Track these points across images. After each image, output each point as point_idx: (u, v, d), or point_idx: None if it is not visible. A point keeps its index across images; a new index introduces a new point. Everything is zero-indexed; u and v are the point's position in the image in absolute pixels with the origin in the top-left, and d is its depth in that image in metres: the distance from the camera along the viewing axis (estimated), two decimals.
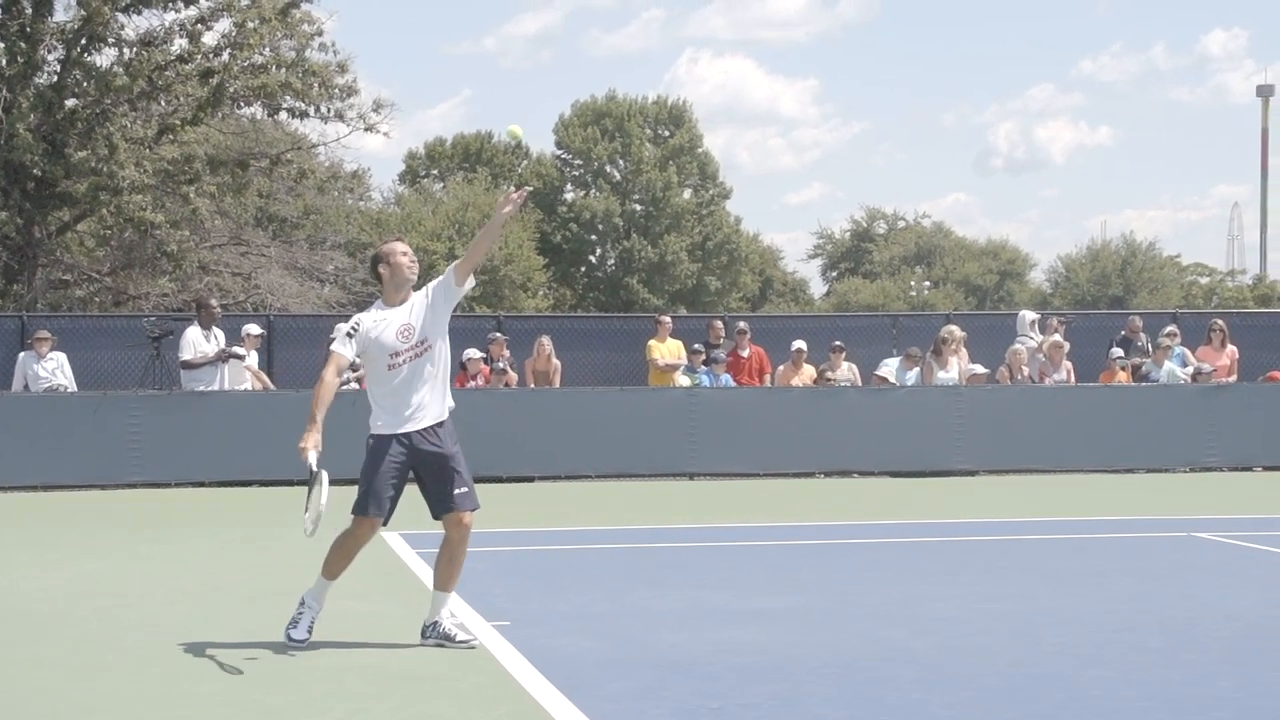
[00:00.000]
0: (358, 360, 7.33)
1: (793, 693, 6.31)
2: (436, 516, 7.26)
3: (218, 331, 16.92)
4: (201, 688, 6.47)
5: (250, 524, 12.91)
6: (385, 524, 7.29)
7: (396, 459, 7.16)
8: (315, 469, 7.14)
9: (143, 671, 6.82)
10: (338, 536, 7.31)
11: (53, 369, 16.93)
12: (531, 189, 8.09)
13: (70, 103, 26.77)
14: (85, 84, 26.56)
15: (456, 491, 7.19)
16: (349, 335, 7.22)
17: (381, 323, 7.19)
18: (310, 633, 7.27)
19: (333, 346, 7.23)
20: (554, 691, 6.29)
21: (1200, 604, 8.54)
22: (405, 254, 7.28)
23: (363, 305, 37.83)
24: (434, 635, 7.26)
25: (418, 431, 7.17)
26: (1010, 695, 6.29)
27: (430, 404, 7.19)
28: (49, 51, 26.63)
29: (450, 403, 7.33)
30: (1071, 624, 7.87)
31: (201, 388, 16.63)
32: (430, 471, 7.20)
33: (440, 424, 7.23)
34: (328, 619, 8.05)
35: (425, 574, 9.33)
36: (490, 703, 6.20)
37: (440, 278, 7.28)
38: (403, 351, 7.14)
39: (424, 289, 7.29)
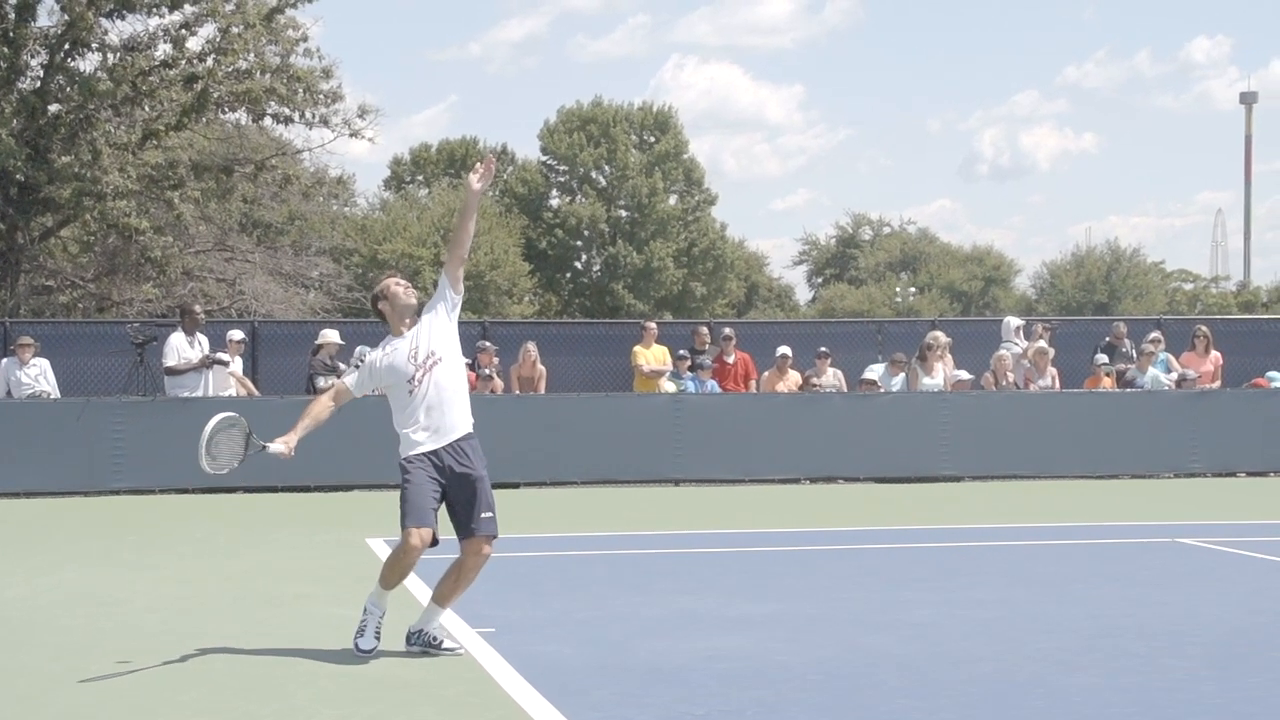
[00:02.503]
0: (345, 370, 7.40)
1: (776, 699, 6.30)
2: (459, 538, 7.24)
3: (201, 338, 16.88)
4: (185, 695, 6.45)
5: (234, 531, 12.88)
6: (435, 540, 7.12)
7: (430, 472, 7.14)
8: (261, 446, 7.25)
9: (125, 679, 6.79)
10: (390, 553, 7.26)
11: (35, 375, 16.87)
12: (495, 154, 8.13)
13: (53, 108, 26.70)
14: (68, 89, 26.49)
15: (482, 515, 7.18)
16: (355, 368, 7.37)
17: (392, 352, 7.26)
18: (378, 639, 7.23)
19: (342, 377, 7.40)
20: (538, 698, 6.28)
21: (1184, 610, 8.56)
22: (399, 284, 7.40)
23: (347, 312, 37.90)
24: (419, 642, 7.26)
25: (446, 448, 7.16)
26: (993, 701, 6.29)
27: (453, 418, 7.20)
28: (32, 56, 26.57)
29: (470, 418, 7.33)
30: (1055, 630, 7.88)
31: (185, 394, 16.58)
32: (458, 492, 7.18)
33: (467, 438, 7.23)
34: (310, 625, 8.05)
35: (409, 580, 9.30)
36: (474, 709, 6.19)
37: (438, 295, 7.34)
38: (416, 371, 7.18)
39: (426, 309, 7.34)
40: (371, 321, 25.28)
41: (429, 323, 7.29)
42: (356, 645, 7.22)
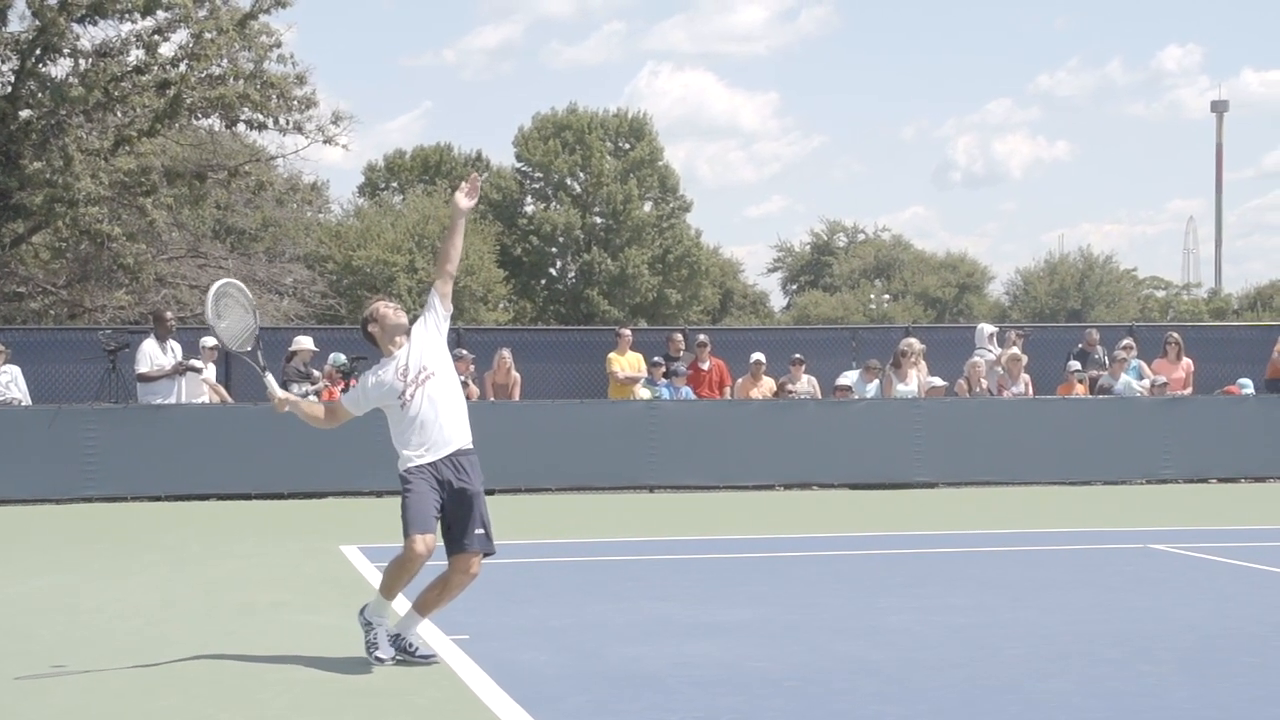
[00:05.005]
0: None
1: (751, 705, 6.31)
2: (449, 553, 7.20)
3: (174, 344, 16.80)
4: (157, 703, 6.42)
5: (207, 538, 12.82)
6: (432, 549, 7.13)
7: (430, 482, 7.12)
8: (263, 367, 7.55)
9: (97, 687, 6.75)
10: (393, 560, 7.21)
11: (6, 382, 16.76)
12: (480, 174, 8.19)
13: (25, 114, 26.57)
14: (40, 95, 26.37)
15: (475, 532, 7.17)
16: (353, 388, 7.44)
17: (382, 371, 7.28)
18: (393, 646, 7.20)
19: (341, 397, 7.53)
20: (513, 705, 6.28)
21: (1156, 615, 8.60)
22: (388, 305, 7.44)
23: (321, 318, 37.73)
24: (393, 646, 7.22)
25: (444, 460, 7.16)
26: (968, 707, 6.31)
27: (449, 432, 7.19)
28: (3, 62, 26.45)
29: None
30: (1029, 636, 7.91)
31: (158, 401, 16.51)
32: (453, 507, 7.17)
33: (466, 453, 7.23)
34: (284, 633, 8.02)
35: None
36: (449, 717, 6.18)
37: (428, 311, 7.37)
38: (406, 387, 7.18)
39: (416, 326, 7.36)
40: (346, 328, 25.21)
41: (419, 338, 7.30)
42: (375, 658, 7.14)
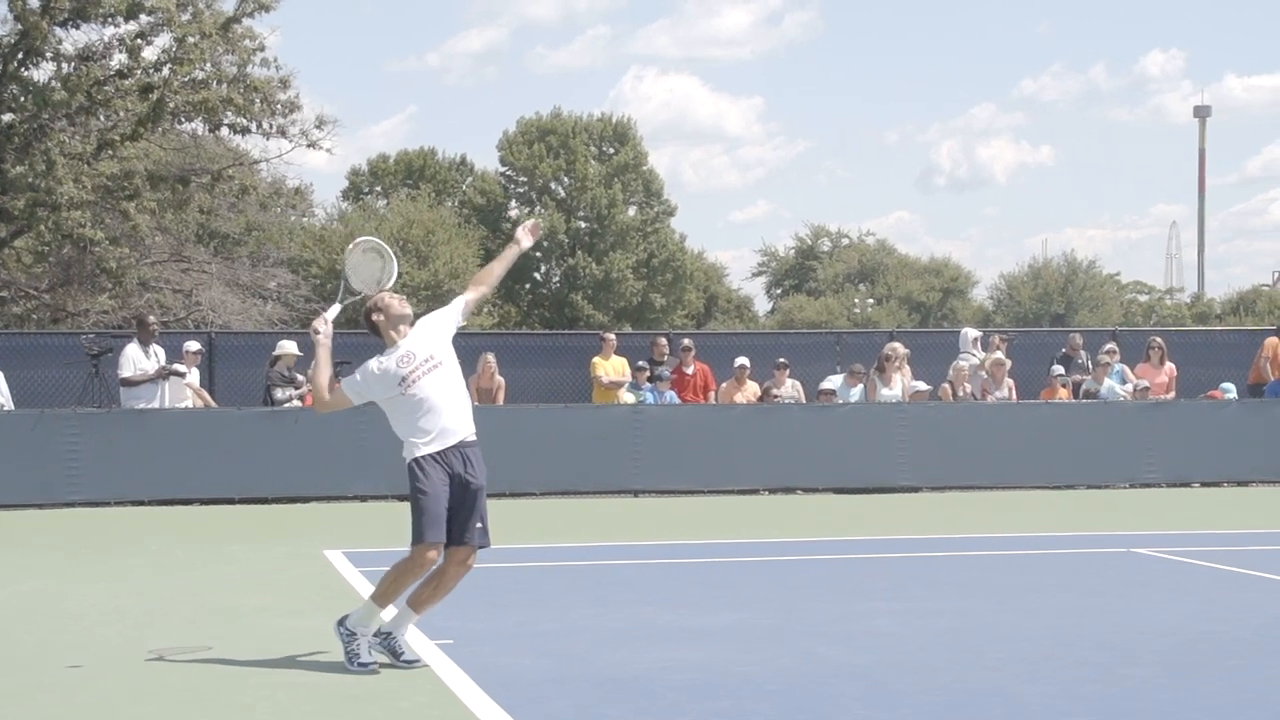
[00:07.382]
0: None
1: (735, 710, 6.31)
2: (447, 545, 7.16)
3: (158, 349, 16.75)
4: (141, 709, 6.40)
5: (190, 543, 12.79)
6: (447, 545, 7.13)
7: (443, 477, 7.11)
8: (341, 298, 7.76)
9: (80, 693, 6.73)
10: (394, 565, 7.17)
11: None
12: (540, 222, 8.31)
13: (7, 117, 26.52)
14: (22, 99, 26.30)
15: (475, 525, 7.18)
16: (353, 377, 7.40)
17: (385, 359, 7.26)
18: (381, 647, 7.17)
19: (341, 382, 7.49)
20: (497, 710, 6.27)
21: (1139, 619, 8.62)
22: (393, 296, 7.45)
23: (305, 323, 37.57)
24: (382, 645, 7.18)
25: (453, 450, 7.15)
26: (951, 711, 6.32)
27: (456, 422, 7.19)
28: None
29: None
30: (1012, 639, 7.93)
31: (142, 405, 16.46)
32: (459, 500, 7.16)
33: (471, 445, 7.25)
34: (268, 638, 8.00)
35: (368, 591, 9.26)
36: None
37: (446, 308, 7.43)
38: (409, 374, 7.14)
39: (425, 317, 7.38)
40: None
41: (429, 329, 7.30)
42: (358, 665, 7.04)
